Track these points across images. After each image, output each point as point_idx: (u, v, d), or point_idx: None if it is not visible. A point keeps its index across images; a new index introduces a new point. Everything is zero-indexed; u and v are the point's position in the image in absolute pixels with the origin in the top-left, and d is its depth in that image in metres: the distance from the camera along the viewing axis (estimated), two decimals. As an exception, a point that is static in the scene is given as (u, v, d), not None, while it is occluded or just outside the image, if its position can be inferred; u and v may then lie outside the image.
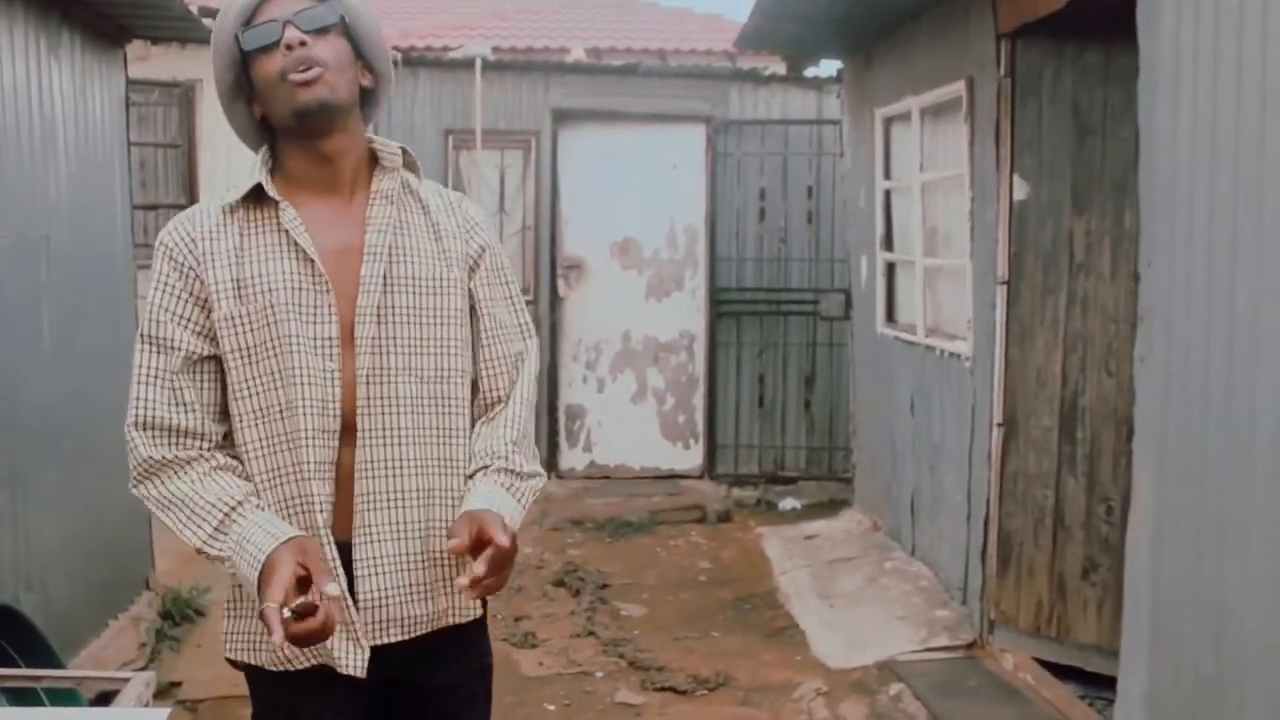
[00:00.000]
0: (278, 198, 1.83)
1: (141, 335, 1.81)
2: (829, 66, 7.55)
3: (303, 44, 1.78)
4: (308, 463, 1.80)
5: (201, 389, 1.81)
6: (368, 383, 1.82)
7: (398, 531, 1.85)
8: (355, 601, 1.83)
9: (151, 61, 6.65)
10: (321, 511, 1.81)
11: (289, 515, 1.81)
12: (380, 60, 1.93)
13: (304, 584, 1.63)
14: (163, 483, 1.78)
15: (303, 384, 1.79)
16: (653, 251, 7.91)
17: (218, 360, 1.82)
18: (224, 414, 1.84)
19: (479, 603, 1.95)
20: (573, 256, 7.89)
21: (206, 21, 5.15)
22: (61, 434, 4.43)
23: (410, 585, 1.87)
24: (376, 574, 1.84)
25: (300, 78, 1.77)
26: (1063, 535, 4.47)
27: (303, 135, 1.83)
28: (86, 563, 4.62)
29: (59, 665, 3.77)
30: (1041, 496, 4.49)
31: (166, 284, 1.82)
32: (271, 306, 1.80)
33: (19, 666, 3.58)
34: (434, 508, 1.88)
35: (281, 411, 1.81)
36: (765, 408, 8.04)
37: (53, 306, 4.36)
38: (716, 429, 8.00)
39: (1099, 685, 4.19)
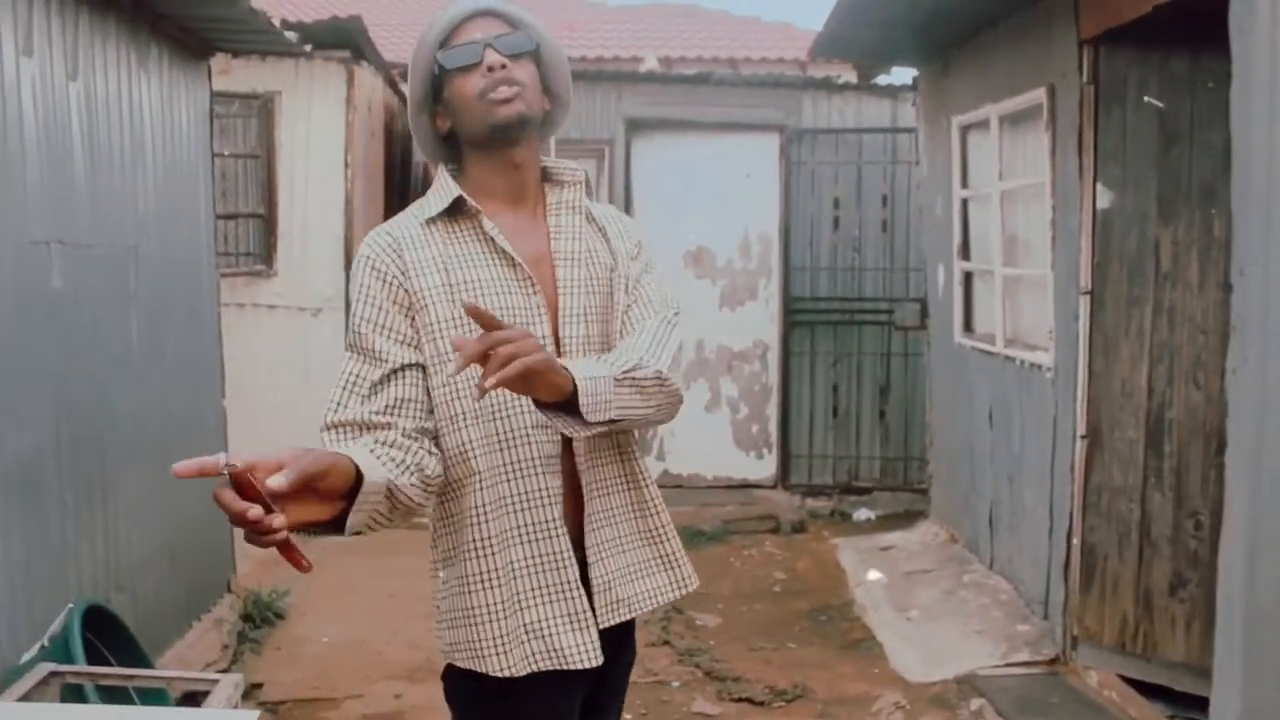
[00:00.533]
0: (478, 207, 1.92)
1: (348, 344, 1.89)
2: (901, 74, 7.51)
3: (503, 66, 1.88)
4: (535, 459, 1.88)
5: (402, 393, 1.86)
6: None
7: (614, 516, 1.97)
8: (589, 587, 1.92)
9: (232, 74, 6.78)
10: (554, 504, 1.89)
11: (517, 510, 1.88)
12: (562, 87, 2.04)
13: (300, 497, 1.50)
14: None
15: None
16: (726, 260, 7.91)
17: (420, 367, 1.88)
18: (425, 415, 1.88)
19: (694, 573, 2.07)
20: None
21: (289, 34, 5.25)
22: (148, 440, 4.53)
23: (633, 564, 1.99)
24: (604, 558, 1.94)
25: (501, 96, 1.87)
26: (1149, 550, 4.38)
27: (495, 147, 1.93)
28: (172, 565, 4.71)
29: (147, 664, 3.86)
30: (1126, 510, 4.40)
31: (369, 296, 1.88)
32: None
33: (110, 665, 3.67)
34: (639, 489, 2.00)
35: (495, 412, 1.87)
36: (839, 418, 7.99)
37: (141, 315, 4.46)
38: (790, 439, 7.96)
39: (1188, 705, 4.09)
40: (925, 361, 7.08)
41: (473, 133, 1.93)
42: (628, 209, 7.80)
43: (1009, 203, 5.41)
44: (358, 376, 1.86)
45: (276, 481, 1.40)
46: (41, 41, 3.73)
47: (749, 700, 4.60)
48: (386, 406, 1.84)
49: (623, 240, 2.05)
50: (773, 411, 7.99)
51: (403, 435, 1.83)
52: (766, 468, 8.03)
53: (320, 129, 7.21)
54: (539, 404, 1.77)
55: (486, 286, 1.89)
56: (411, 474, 1.78)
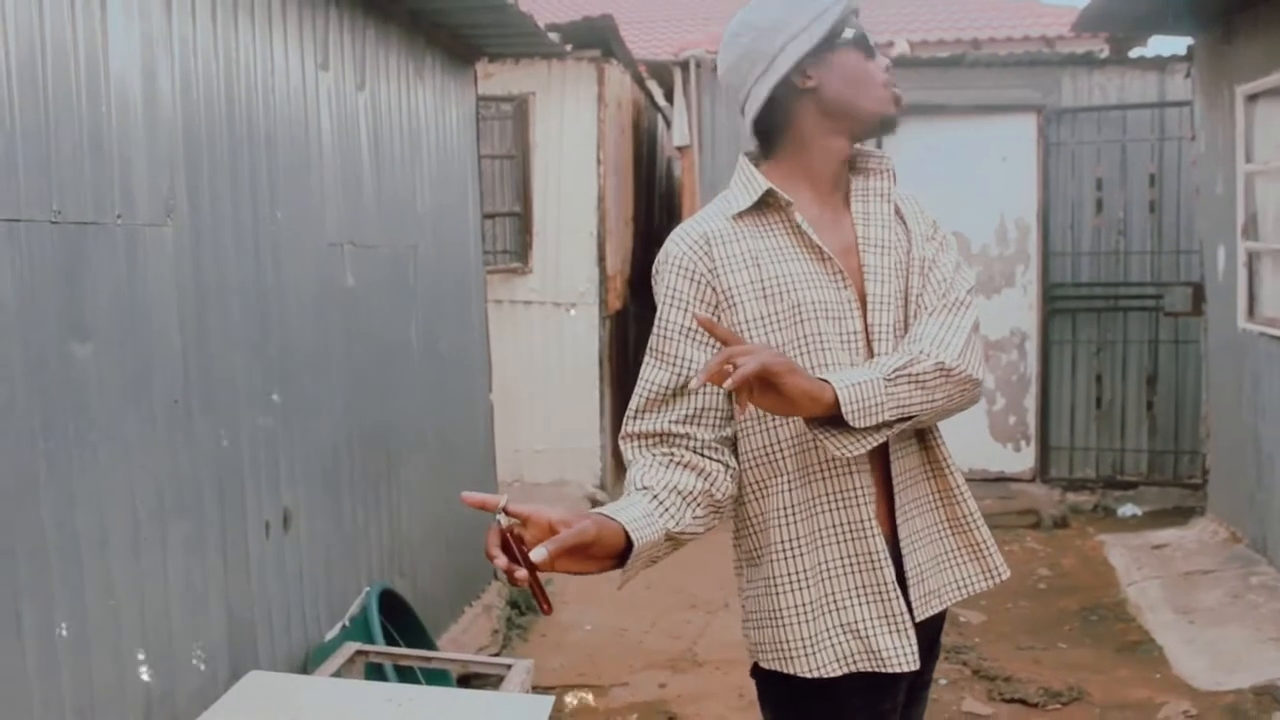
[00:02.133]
0: (789, 199, 1.88)
1: (650, 349, 1.87)
2: (1162, 44, 7.08)
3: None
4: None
5: (703, 401, 1.83)
6: None
7: (922, 506, 1.92)
8: (904, 580, 1.87)
9: (490, 78, 7.02)
10: (867, 503, 1.85)
11: (830, 510, 1.85)
12: None
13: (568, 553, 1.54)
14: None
15: None
16: (981, 247, 7.65)
17: None
18: (725, 422, 1.86)
19: (1004, 563, 2.02)
20: (897, 254, 7.73)
21: (551, 35, 5.39)
22: (426, 431, 4.74)
23: (941, 554, 1.94)
24: (917, 549, 1.90)
25: (899, 94, 1.92)
26: None
27: (854, 135, 1.92)
28: (447, 552, 4.92)
29: (431, 646, 4.04)
30: None
31: (676, 297, 1.85)
32: (798, 306, 1.83)
33: (399, 645, 3.86)
34: (944, 477, 1.94)
35: None
36: (1102, 409, 7.62)
37: (420, 313, 4.67)
38: (1049, 430, 7.64)
39: None
40: (1201, 349, 6.66)
41: (855, 112, 1.89)
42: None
43: (1305, 177, 5.02)
44: (658, 384, 1.84)
45: (537, 555, 1.48)
46: (336, 55, 3.95)
47: (1022, 701, 4.44)
48: (687, 416, 1.82)
49: (918, 221, 1.98)
50: (1031, 403, 7.69)
51: (700, 449, 1.82)
52: (1025, 460, 7.74)
53: (572, 128, 7.38)
54: (809, 422, 1.73)
55: (798, 281, 1.84)
56: (698, 505, 1.77)
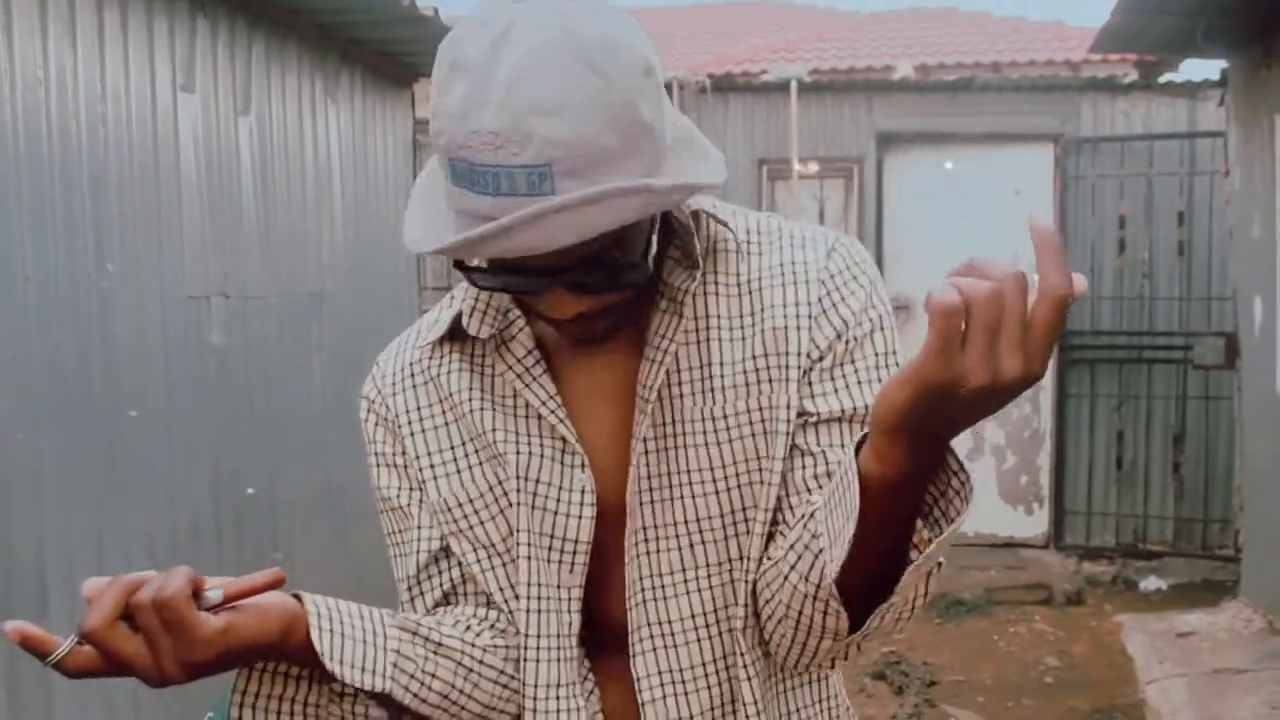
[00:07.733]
0: (488, 331, 1.16)
1: (388, 536, 1.28)
2: (1194, 69, 6.44)
3: (583, 313, 1.06)
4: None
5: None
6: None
7: None
8: None
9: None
10: None
11: None
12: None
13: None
14: None
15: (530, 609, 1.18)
16: (991, 290, 6.99)
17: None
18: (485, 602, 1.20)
19: None
20: (900, 297, 7.06)
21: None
22: (332, 497, 4.16)
23: None
24: None
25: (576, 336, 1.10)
26: None
27: None
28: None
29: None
30: None
31: (379, 452, 1.24)
32: (503, 482, 1.16)
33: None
34: None
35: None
36: (1124, 470, 6.92)
37: (324, 367, 4.09)
38: (1064, 493, 6.96)
39: None
40: (1235, 409, 5.97)
41: None
42: (879, 233, 7.01)
43: (1355, 224, 4.35)
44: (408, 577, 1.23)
45: None
46: (206, 75, 3.38)
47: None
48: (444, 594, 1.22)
49: (818, 325, 1.13)
50: (1045, 461, 7.02)
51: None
52: (1036, 525, 7.06)
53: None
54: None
55: (501, 443, 1.14)
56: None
